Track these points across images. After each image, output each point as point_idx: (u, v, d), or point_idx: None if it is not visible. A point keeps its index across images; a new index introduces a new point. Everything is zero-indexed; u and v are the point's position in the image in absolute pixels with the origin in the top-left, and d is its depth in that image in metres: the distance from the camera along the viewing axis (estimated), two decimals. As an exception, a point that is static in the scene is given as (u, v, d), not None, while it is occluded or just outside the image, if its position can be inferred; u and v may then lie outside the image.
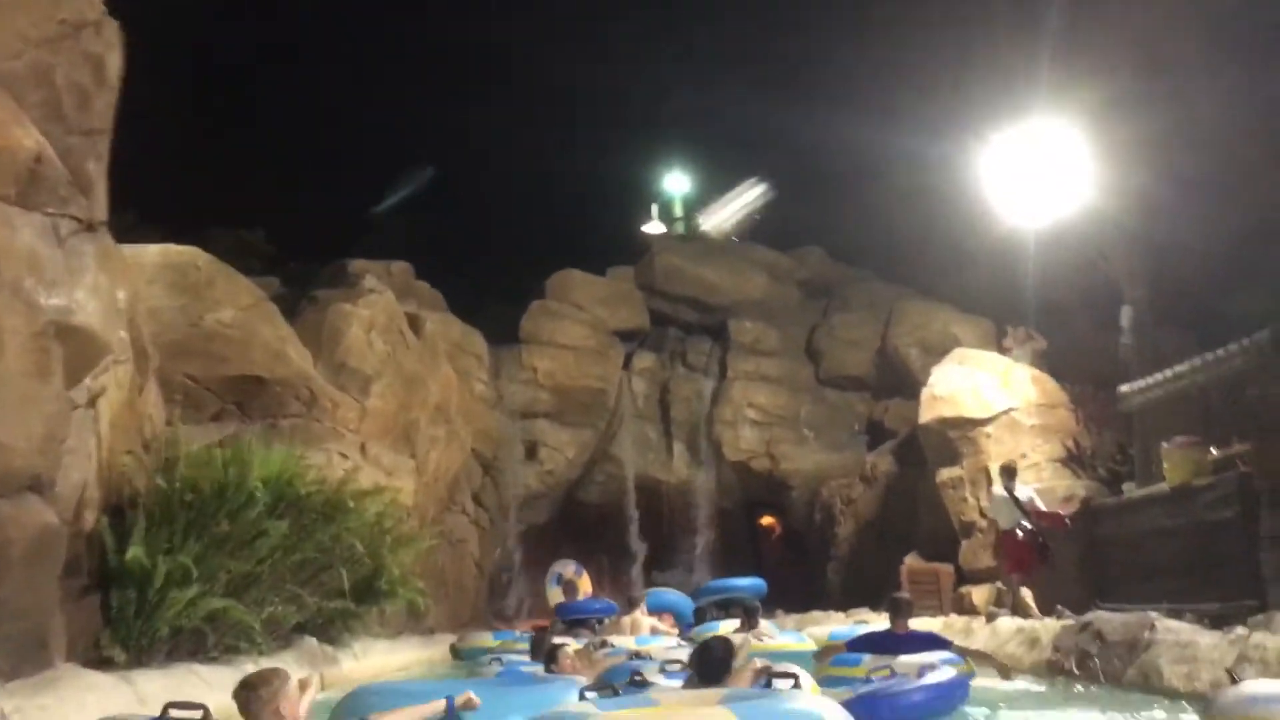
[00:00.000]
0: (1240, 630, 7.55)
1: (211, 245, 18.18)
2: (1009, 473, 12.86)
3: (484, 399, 20.54)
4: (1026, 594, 12.23)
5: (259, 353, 13.32)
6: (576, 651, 8.47)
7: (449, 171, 25.15)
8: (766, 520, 23.70)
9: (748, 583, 17.00)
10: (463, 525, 19.62)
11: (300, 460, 10.10)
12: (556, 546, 22.32)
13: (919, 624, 10.56)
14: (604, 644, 10.62)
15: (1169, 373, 11.73)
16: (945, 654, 7.34)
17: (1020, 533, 12.34)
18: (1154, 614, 9.09)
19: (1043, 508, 12.41)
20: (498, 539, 21.06)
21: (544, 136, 25.90)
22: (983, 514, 16.00)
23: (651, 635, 13.10)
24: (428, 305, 20.10)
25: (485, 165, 25.64)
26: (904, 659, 7.01)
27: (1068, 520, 12.33)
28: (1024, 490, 12.70)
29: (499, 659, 9.93)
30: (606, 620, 14.82)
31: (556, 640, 9.15)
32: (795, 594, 19.24)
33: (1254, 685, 5.17)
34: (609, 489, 21.92)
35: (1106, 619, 9.60)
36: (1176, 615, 9.46)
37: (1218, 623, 9.35)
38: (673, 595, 17.41)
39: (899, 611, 8.03)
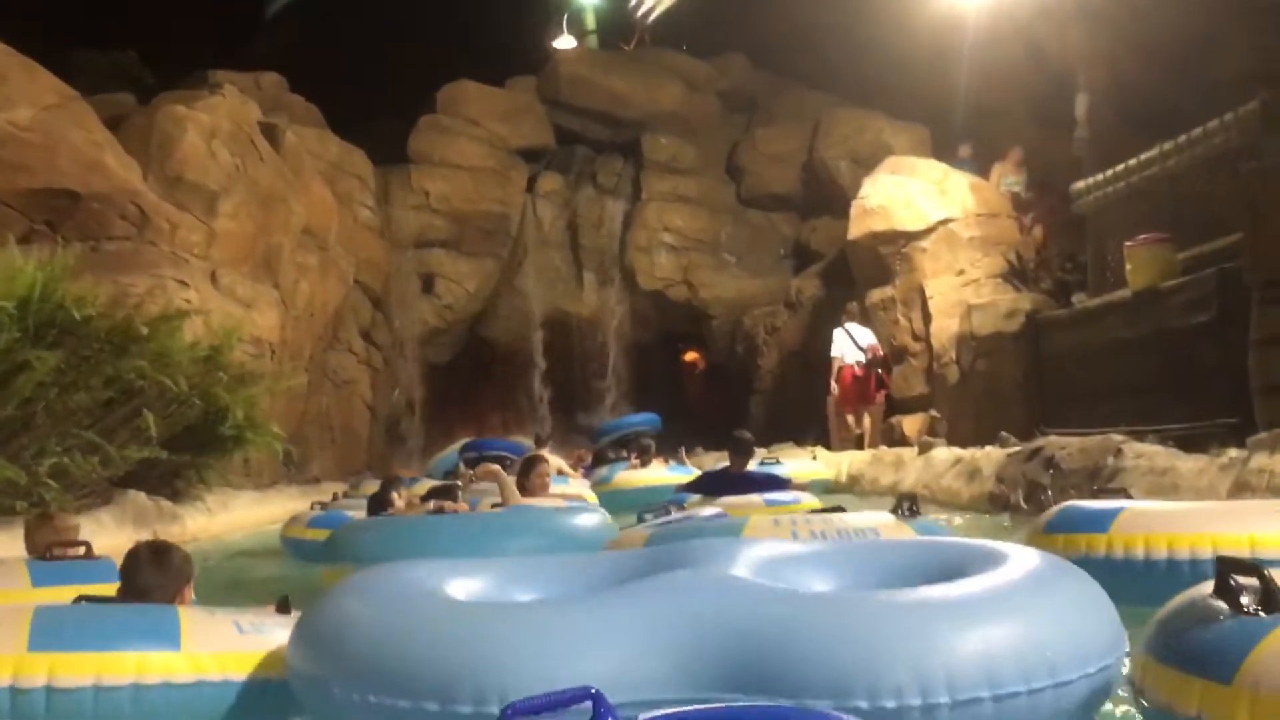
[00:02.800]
0: (1234, 452, 6.07)
1: (80, 70, 15.80)
2: (848, 314, 14.56)
3: (370, 226, 18.47)
4: (853, 420, 13.98)
5: (67, 161, 11.20)
6: (406, 496, 7.01)
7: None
8: (689, 355, 22.20)
9: (641, 418, 15.80)
10: (350, 365, 17.82)
11: (78, 278, 8.13)
12: (461, 388, 20.72)
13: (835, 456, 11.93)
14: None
15: (1132, 162, 10.06)
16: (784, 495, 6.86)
17: (858, 368, 13.75)
18: (1118, 437, 7.64)
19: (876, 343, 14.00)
20: (394, 380, 19.32)
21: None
22: (915, 337, 14.57)
23: (558, 477, 12.20)
24: (301, 120, 17.80)
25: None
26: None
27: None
28: (863, 332, 14.16)
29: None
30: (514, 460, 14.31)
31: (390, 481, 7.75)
32: (720, 430, 17.86)
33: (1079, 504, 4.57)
34: (515, 324, 20.15)
35: (1060, 444, 8.16)
36: (1138, 439, 8.05)
37: (1187, 445, 7.94)
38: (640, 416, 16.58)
39: (738, 450, 7.55)
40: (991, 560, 2.79)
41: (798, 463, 11.79)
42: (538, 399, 20.06)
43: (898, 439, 13.88)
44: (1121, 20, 11.25)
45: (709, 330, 19.91)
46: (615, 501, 10.04)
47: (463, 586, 3.13)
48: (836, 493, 12.10)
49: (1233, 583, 2.34)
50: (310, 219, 15.13)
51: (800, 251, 19.28)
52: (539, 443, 13.95)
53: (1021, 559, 2.75)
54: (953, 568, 2.86)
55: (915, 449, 11.34)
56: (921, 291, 14.26)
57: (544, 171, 20.35)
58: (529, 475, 7.05)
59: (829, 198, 18.19)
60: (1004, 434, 9.85)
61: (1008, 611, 2.42)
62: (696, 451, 16.36)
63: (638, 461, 12.37)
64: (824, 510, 5.47)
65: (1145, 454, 6.87)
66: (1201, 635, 2.29)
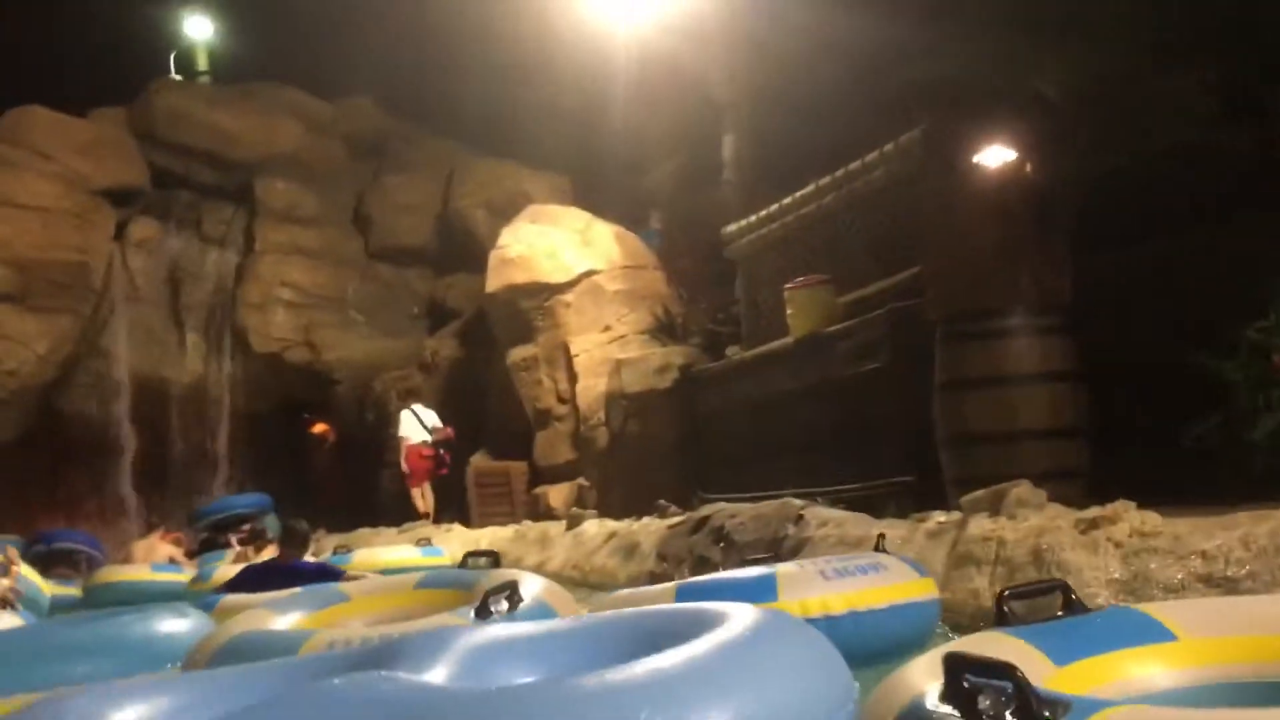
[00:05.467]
0: (942, 516, 5.07)
1: None
2: (411, 395, 15.16)
3: (-95, 276, 15.02)
4: (421, 497, 13.71)
5: None
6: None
7: None
8: (318, 426, 19.89)
9: (248, 500, 13.70)
10: None
11: None
12: (37, 471, 17.29)
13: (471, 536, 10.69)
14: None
15: (786, 201, 9.34)
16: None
17: (424, 448, 13.68)
18: (797, 501, 6.58)
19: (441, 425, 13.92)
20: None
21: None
22: (560, 399, 13.34)
23: (169, 564, 11.36)
24: None
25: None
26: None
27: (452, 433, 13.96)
28: (429, 414, 14.01)
29: None
30: (94, 554, 13.03)
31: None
32: (352, 509, 15.86)
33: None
34: (99, 393, 17.10)
35: (730, 511, 7.02)
36: (804, 500, 7.08)
37: (860, 508, 7.05)
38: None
39: (289, 540, 7.03)
40: (703, 624, 2.30)
41: (404, 550, 10.07)
42: (126, 481, 17.05)
43: (543, 512, 12.51)
44: (766, 61, 10.66)
45: (335, 397, 17.81)
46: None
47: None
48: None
49: (967, 685, 1.68)
50: None
51: (436, 309, 17.70)
52: (150, 528, 13.21)
53: (738, 618, 2.25)
54: (664, 637, 2.33)
55: (563, 523, 9.97)
56: (566, 349, 13.08)
57: (137, 217, 17.58)
58: None
59: (465, 251, 16.78)
60: (662, 502, 8.67)
61: (721, 681, 1.89)
62: (319, 535, 14.36)
63: (242, 549, 10.77)
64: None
65: (832, 520, 5.81)
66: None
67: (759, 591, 3.66)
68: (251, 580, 6.79)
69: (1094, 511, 4.17)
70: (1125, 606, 2.43)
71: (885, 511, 7.19)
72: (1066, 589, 2.30)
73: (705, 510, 7.32)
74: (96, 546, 13.62)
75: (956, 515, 4.97)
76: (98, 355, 17.01)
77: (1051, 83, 7.16)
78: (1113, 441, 6.04)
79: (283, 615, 4.22)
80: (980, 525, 4.58)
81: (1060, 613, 2.26)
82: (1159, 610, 2.23)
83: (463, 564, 4.97)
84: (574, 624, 2.90)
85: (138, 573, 11.24)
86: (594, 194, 14.99)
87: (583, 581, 8.36)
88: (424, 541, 10.25)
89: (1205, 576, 3.75)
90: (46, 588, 9.35)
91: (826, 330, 8.15)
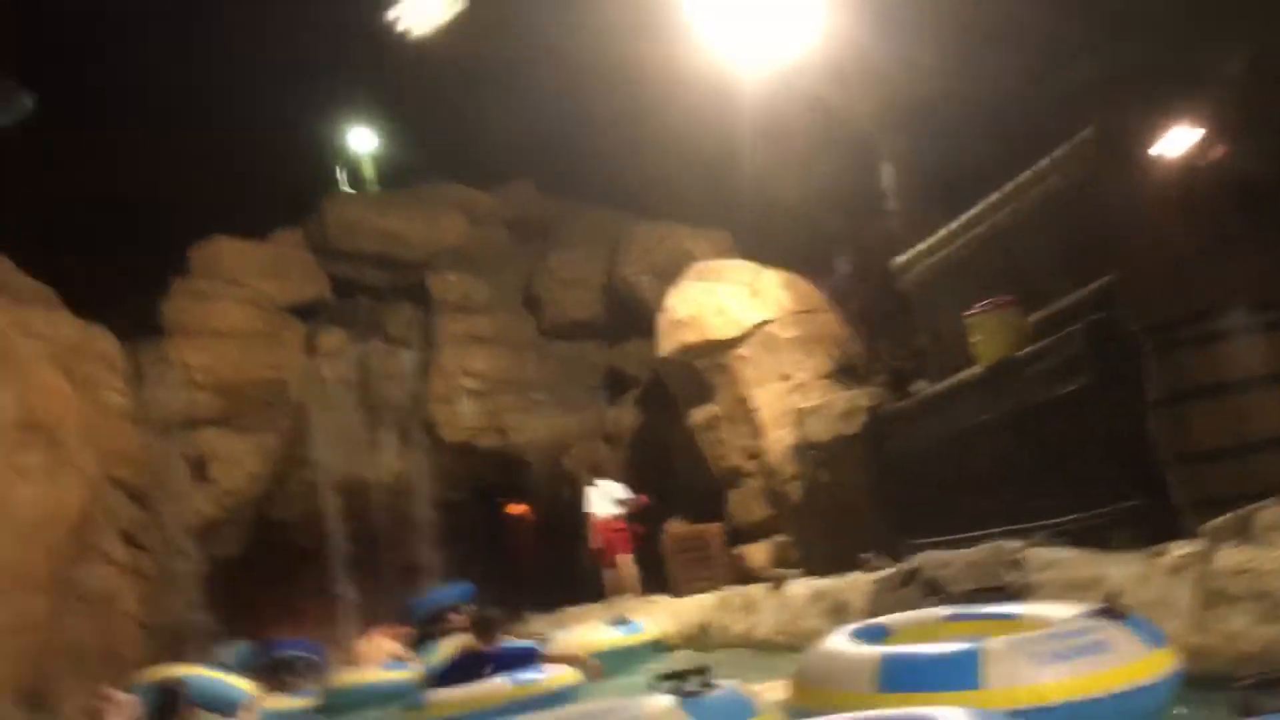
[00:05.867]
0: (1181, 548, 4.54)
1: None
2: (597, 468, 15.14)
3: (122, 412, 15.92)
4: (626, 572, 13.66)
5: None
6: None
7: (58, 121, 19.78)
8: (517, 508, 20.14)
9: (453, 592, 13.88)
10: (108, 577, 15.04)
11: None
12: (258, 581, 18.06)
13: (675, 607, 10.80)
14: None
15: (956, 224, 8.86)
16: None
17: (614, 519, 13.79)
18: (1012, 543, 6.09)
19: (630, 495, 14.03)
20: (172, 586, 16.57)
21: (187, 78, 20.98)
22: (748, 455, 13.04)
23: (394, 662, 11.63)
24: (29, 302, 15.37)
25: (111, 111, 20.43)
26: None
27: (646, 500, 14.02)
28: (615, 486, 14.22)
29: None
30: (314, 659, 13.39)
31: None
32: (556, 589, 15.92)
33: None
34: (307, 500, 17.74)
35: (940, 560, 6.57)
36: (1017, 538, 6.56)
37: (1082, 540, 6.49)
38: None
39: (484, 630, 7.25)
40: None
41: (601, 630, 9.93)
42: (340, 582, 17.59)
43: (746, 573, 12.18)
44: (912, 81, 10.25)
45: (528, 477, 18.00)
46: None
47: None
48: (684, 647, 10.31)
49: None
50: (33, 411, 12.66)
51: (614, 379, 17.72)
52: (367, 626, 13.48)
53: None
54: None
55: (767, 585, 9.63)
56: (747, 403, 12.79)
57: (323, 327, 18.29)
58: None
59: (636, 318, 16.75)
60: (865, 555, 8.24)
61: None
62: (525, 617, 14.46)
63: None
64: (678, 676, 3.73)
65: (1056, 562, 5.31)
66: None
67: (960, 674, 3.23)
68: (457, 671, 6.92)
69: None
70: None
71: (1112, 542, 6.61)
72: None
73: (914, 561, 6.88)
74: (317, 651, 14.07)
75: (1199, 545, 4.43)
76: (302, 464, 17.66)
77: (1233, 60, 6.56)
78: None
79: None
80: (1230, 556, 4.05)
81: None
82: None
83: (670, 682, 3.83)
84: None
85: (371, 675, 11.53)
86: (760, 244, 14.73)
87: (794, 647, 8.01)
88: (620, 620, 10.08)
89: None
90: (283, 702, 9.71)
91: (1018, 354, 7.61)
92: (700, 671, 3.57)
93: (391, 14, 18.45)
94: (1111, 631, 3.44)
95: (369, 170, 25.57)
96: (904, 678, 3.28)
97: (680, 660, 8.55)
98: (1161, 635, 3.58)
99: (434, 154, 20.84)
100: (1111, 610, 3.63)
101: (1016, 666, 3.23)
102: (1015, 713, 2.85)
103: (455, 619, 12.73)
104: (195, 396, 16.81)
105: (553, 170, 19.63)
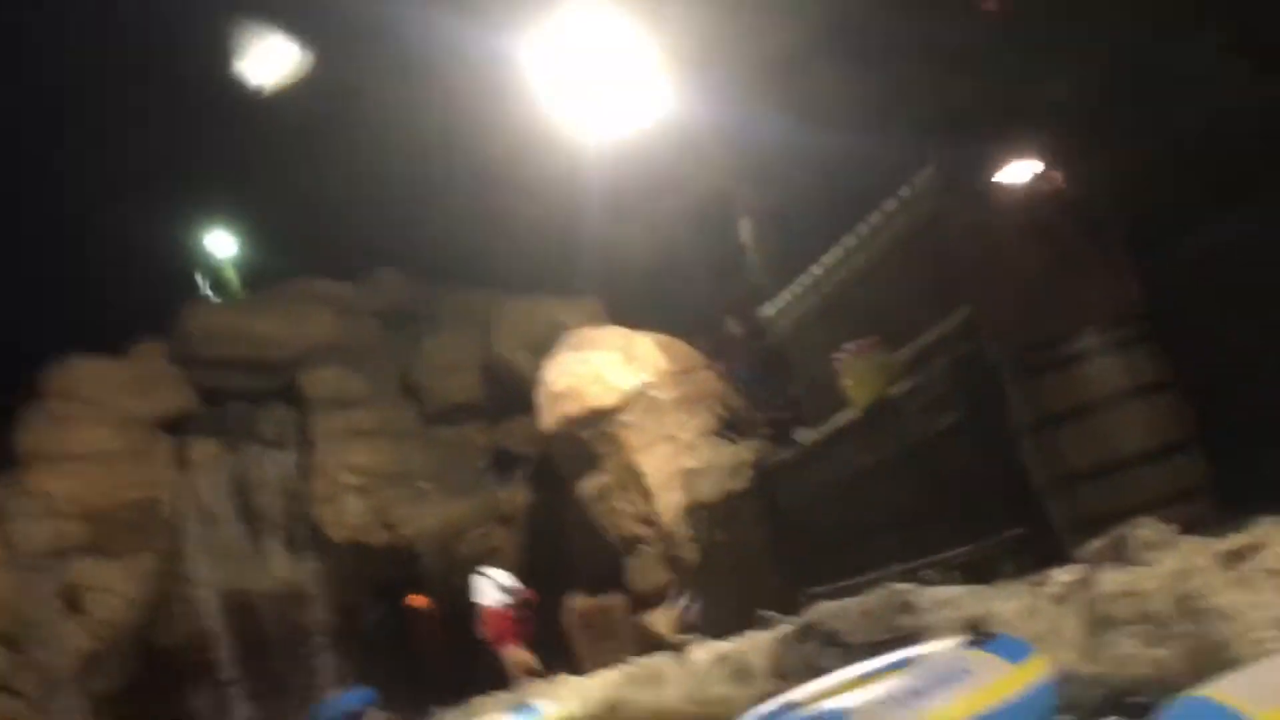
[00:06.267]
0: (1062, 575, 4.52)
1: None
2: (495, 552, 15.17)
3: (-19, 552, 15.07)
4: (518, 659, 13.49)
5: None
6: None
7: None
8: (417, 600, 19.50)
9: (357, 696, 13.22)
10: (-21, 731, 14.13)
11: None
12: (144, 716, 17.08)
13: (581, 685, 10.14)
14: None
15: (818, 271, 8.94)
16: None
17: (504, 608, 13.61)
18: (901, 585, 6.04)
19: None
20: (53, 730, 15.56)
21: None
22: (643, 521, 12.87)
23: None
24: None
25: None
26: None
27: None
28: (502, 574, 13.99)
29: None
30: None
31: None
32: (465, 681, 15.42)
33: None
34: (193, 621, 16.92)
35: (833, 611, 6.47)
36: (909, 578, 6.53)
37: (973, 573, 6.51)
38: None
39: None
40: None
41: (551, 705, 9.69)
42: (236, 700, 16.77)
43: (652, 643, 11.94)
44: (760, 136, 10.38)
45: (423, 570, 17.48)
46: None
47: None
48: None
49: None
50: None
51: (501, 460, 17.39)
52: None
53: None
54: None
55: (671, 655, 9.42)
56: (635, 469, 12.65)
57: (193, 438, 17.60)
58: None
59: (516, 395, 16.48)
60: (764, 613, 8.13)
61: None
62: (432, 712, 14.00)
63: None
64: None
65: (948, 601, 5.25)
66: None
67: None
68: None
69: (1238, 540, 3.61)
70: (1194, 697, 2.17)
71: (1002, 572, 6.62)
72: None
73: (809, 615, 6.77)
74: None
75: (1079, 571, 4.41)
76: (184, 583, 16.88)
77: (1060, 85, 6.75)
78: (1239, 446, 5.43)
79: None
80: (1112, 580, 4.02)
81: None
82: (1226, 693, 2.05)
83: None
84: None
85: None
86: (631, 310, 14.71)
87: (704, 716, 7.81)
88: (521, 706, 9.73)
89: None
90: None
91: (890, 394, 7.66)
92: None
93: (238, 94, 18.11)
94: (972, 660, 3.47)
95: (230, 273, 24.87)
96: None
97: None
98: (1026, 649, 3.63)
99: (295, 251, 20.38)
100: (978, 636, 3.67)
101: (882, 715, 3.21)
102: None
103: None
104: (61, 526, 15.95)
105: (417, 254, 19.37)
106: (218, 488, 17.42)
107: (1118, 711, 1.95)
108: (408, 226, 18.56)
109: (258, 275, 22.77)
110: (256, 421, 18.07)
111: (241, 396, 18.23)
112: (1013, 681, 3.43)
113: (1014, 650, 3.61)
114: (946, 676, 3.39)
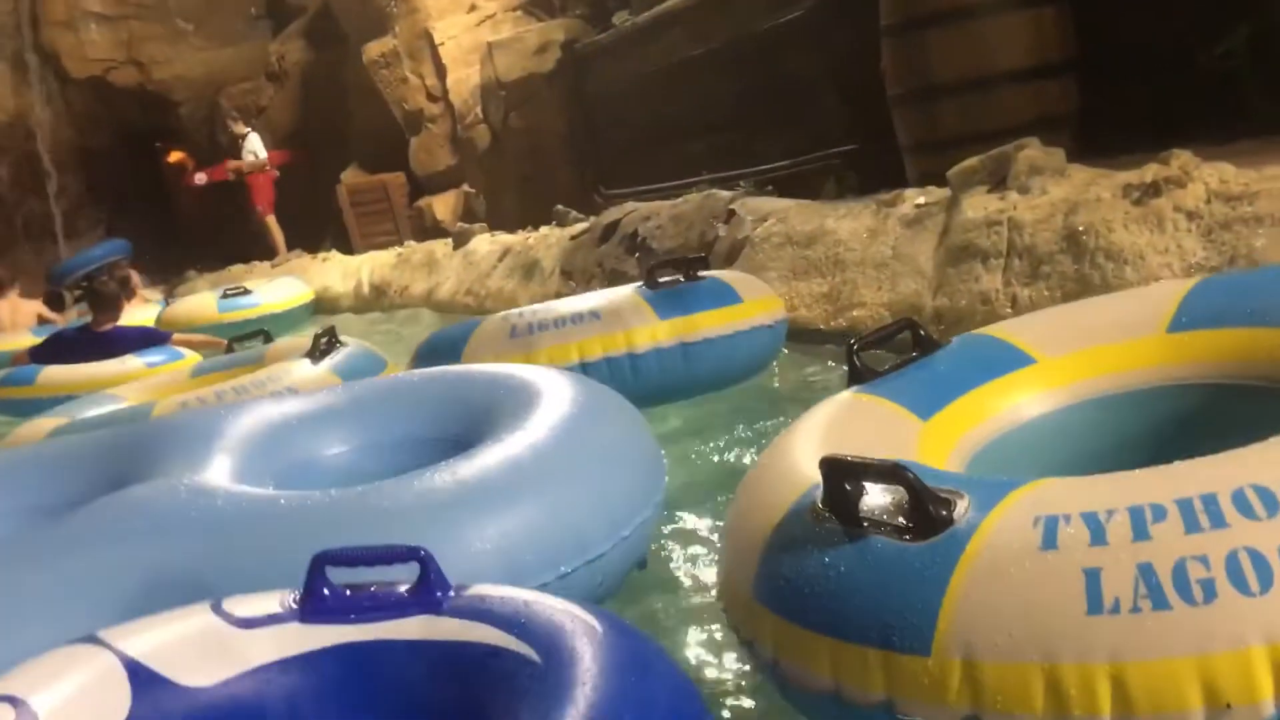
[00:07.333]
0: (919, 197, 3.89)
1: None
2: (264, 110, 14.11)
3: None
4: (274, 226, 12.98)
5: None
6: None
7: None
8: (174, 156, 17.74)
9: (110, 247, 11.97)
10: None
11: None
12: None
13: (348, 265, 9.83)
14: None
15: None
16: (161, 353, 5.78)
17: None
18: (722, 192, 5.38)
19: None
20: None
21: None
22: (431, 96, 11.68)
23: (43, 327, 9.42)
24: None
25: None
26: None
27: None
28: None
29: None
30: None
31: None
32: (226, 244, 14.36)
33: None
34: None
35: (644, 213, 5.80)
36: (728, 188, 5.89)
37: (789, 189, 5.93)
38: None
39: (99, 305, 6.34)
40: (516, 404, 2.20)
41: (274, 288, 8.91)
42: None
43: (430, 227, 11.19)
44: None
45: (180, 121, 15.77)
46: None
47: None
48: (359, 311, 9.37)
49: (848, 490, 1.36)
50: None
51: (276, 8, 15.38)
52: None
53: (550, 400, 2.17)
54: (472, 421, 2.29)
55: (450, 242, 8.69)
56: (429, 36, 11.28)
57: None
58: None
59: (300, -66, 14.41)
60: (561, 208, 7.40)
61: (526, 495, 1.90)
62: (188, 276, 12.97)
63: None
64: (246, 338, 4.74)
65: (775, 212, 4.61)
66: (847, 579, 1.31)
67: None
68: (59, 348, 6.11)
69: (1151, 172, 3.00)
70: (976, 334, 2.12)
71: (824, 191, 6.06)
72: (914, 326, 2.03)
73: (613, 214, 6.08)
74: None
75: (942, 193, 3.79)
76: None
77: None
78: (1106, 73, 4.84)
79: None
80: (982, 205, 3.41)
81: (915, 353, 1.98)
82: (1011, 332, 2.04)
83: (229, 349, 4.66)
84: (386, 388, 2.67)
85: (16, 341, 9.76)
86: None
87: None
88: (236, 290, 8.82)
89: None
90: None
91: (736, -25, 6.65)
92: (326, 334, 3.86)
93: None
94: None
95: None
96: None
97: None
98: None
99: None
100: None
101: None
102: None
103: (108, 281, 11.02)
104: None
105: None
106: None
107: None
108: None
109: None
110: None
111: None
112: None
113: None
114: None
